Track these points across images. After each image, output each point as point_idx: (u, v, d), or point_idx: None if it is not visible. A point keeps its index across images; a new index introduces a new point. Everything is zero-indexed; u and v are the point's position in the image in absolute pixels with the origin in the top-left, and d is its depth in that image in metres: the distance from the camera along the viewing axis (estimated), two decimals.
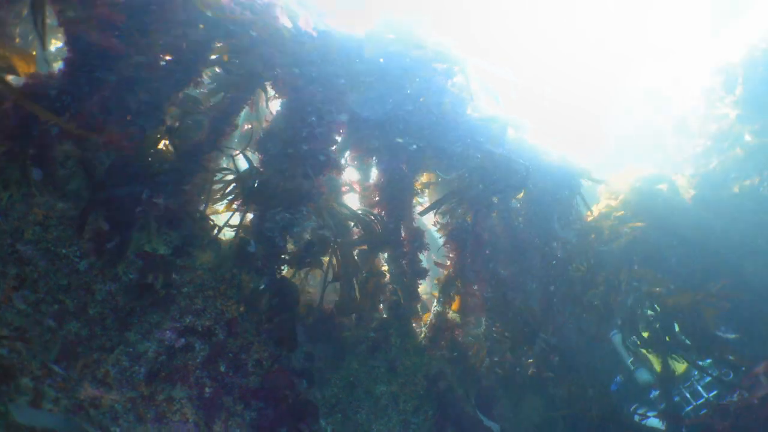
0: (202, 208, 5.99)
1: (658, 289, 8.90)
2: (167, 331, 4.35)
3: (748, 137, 11.41)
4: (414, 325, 6.59)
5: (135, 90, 4.43)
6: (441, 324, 6.01)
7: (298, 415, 5.01)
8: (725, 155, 11.71)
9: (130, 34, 4.34)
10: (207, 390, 4.46)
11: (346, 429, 5.81)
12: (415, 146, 6.79)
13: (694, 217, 10.97)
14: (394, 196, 6.71)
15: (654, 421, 8.81)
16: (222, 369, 4.57)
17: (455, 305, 6.17)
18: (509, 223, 8.03)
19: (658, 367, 9.15)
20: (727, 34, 12.98)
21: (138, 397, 4.27)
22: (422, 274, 6.12)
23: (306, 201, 4.96)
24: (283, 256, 4.96)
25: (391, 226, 6.53)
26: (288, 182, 5.16)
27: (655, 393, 9.18)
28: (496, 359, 6.62)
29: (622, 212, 10.54)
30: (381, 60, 6.83)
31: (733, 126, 11.79)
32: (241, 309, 4.70)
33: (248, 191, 5.25)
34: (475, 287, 6.47)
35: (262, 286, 4.79)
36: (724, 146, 11.80)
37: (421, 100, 6.92)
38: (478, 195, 7.11)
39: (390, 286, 6.19)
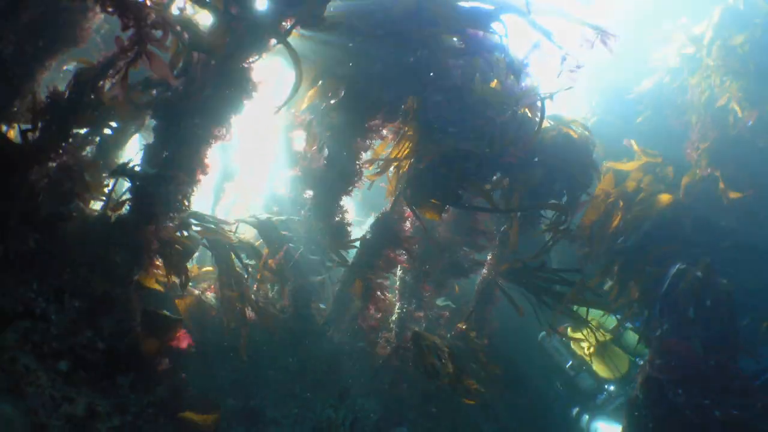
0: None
1: None
2: (21, 300, 4.30)
3: None
4: None
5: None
6: (340, 308, 5.90)
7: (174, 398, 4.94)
8: None
9: None
10: (63, 363, 4.40)
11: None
12: None
13: None
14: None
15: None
16: (83, 342, 4.51)
17: (356, 290, 6.05)
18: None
19: (599, 370, 8.98)
20: None
21: None
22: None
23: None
24: (160, 233, 4.88)
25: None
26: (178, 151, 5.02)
27: (601, 397, 9.02)
28: (407, 347, 6.47)
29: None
30: None
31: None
32: (108, 284, 4.64)
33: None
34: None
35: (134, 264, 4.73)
36: None
37: None
38: None
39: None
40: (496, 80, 6.06)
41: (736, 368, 6.63)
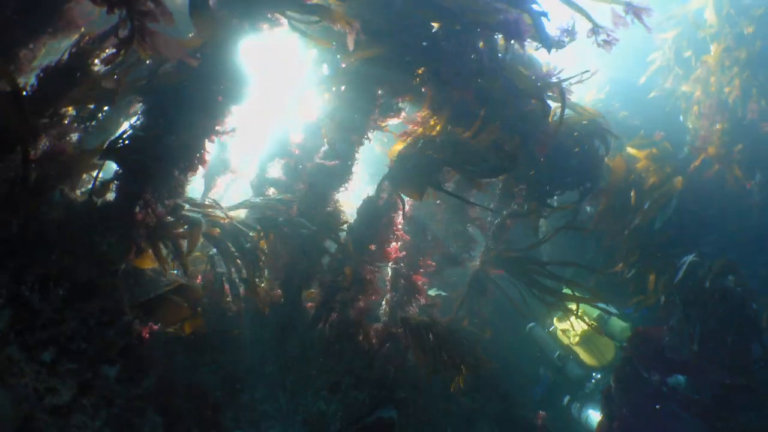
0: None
1: None
2: (4, 288, 4.11)
3: None
4: None
5: None
6: (328, 297, 5.77)
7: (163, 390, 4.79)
8: None
9: None
10: (47, 353, 4.23)
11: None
12: None
13: None
14: None
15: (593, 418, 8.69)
16: (68, 332, 4.34)
17: (347, 278, 5.91)
18: None
19: (585, 358, 9.02)
20: None
21: None
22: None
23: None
24: (149, 218, 4.70)
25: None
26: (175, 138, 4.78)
27: (590, 385, 9.06)
28: (398, 336, 6.37)
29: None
30: None
31: None
32: (94, 271, 4.46)
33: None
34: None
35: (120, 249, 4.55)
36: None
37: None
38: None
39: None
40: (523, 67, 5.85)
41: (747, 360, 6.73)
